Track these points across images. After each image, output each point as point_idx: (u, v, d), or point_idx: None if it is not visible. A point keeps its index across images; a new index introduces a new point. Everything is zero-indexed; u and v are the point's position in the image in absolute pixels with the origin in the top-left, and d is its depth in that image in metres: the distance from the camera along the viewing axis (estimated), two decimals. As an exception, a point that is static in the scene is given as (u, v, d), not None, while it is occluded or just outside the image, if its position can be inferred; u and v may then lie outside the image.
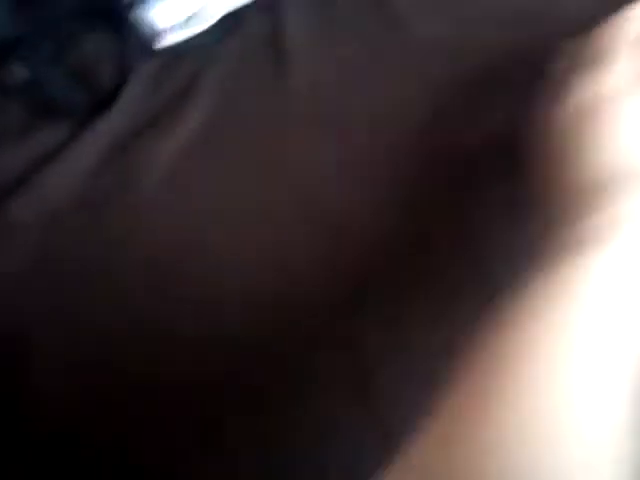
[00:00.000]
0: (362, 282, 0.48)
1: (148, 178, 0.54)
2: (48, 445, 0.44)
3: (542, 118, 0.42)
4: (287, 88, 0.58)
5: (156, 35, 0.60)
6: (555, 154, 0.39)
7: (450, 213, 0.51)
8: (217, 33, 0.62)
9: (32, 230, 0.52)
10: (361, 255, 0.50)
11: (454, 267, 0.48)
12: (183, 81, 0.59)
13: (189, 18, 0.60)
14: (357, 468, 0.39)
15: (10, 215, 0.53)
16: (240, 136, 0.56)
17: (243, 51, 0.61)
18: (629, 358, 0.30)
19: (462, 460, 0.27)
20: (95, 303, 0.49)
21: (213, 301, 0.48)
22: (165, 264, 0.51)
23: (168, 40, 0.61)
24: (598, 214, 0.34)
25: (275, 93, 0.58)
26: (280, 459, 0.43)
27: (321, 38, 0.61)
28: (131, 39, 0.59)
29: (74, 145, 0.55)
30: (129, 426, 0.44)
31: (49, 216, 0.53)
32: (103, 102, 0.56)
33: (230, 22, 0.62)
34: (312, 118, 0.56)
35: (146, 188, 0.54)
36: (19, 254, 0.52)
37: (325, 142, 0.55)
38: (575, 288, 0.32)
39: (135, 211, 0.53)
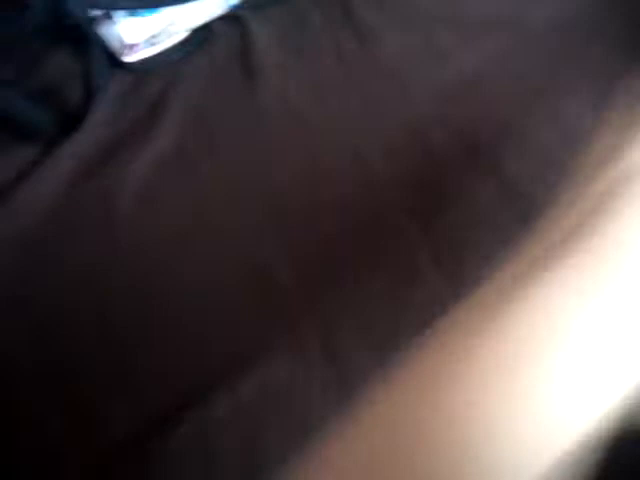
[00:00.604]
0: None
1: (120, 195, 0.54)
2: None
3: None
4: (256, 104, 0.58)
5: (124, 51, 0.60)
6: None
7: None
8: (186, 48, 0.61)
9: (3, 249, 0.52)
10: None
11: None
12: (152, 98, 0.58)
13: (157, 33, 0.60)
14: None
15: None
16: (210, 152, 0.55)
17: (212, 67, 0.60)
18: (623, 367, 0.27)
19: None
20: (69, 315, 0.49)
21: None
22: (140, 275, 0.50)
23: (136, 56, 0.60)
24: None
25: (244, 109, 0.57)
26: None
27: (290, 52, 0.61)
28: (98, 55, 0.58)
29: (44, 165, 0.54)
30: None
31: (21, 235, 0.52)
32: (72, 120, 0.56)
33: (199, 37, 0.62)
34: (281, 133, 0.56)
35: (119, 204, 0.53)
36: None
37: (294, 156, 0.55)
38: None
39: (109, 227, 0.52)
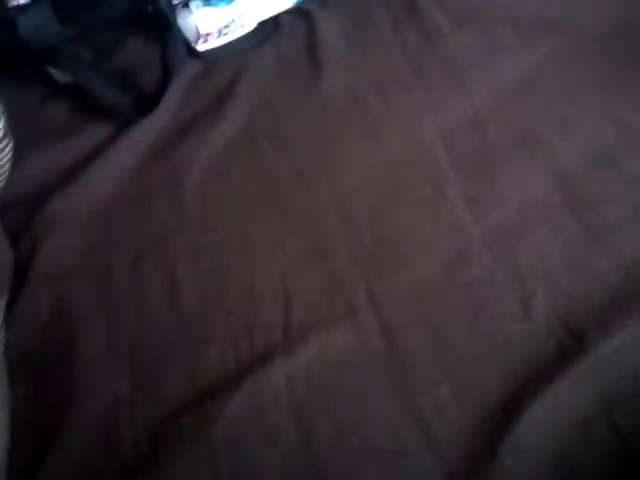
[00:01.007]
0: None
1: (189, 173, 0.56)
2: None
3: None
4: (321, 94, 0.60)
5: (198, 39, 0.63)
6: None
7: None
8: (254, 39, 0.64)
9: (80, 224, 0.54)
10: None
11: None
12: (222, 85, 0.61)
13: (229, 24, 0.63)
14: None
15: (56, 210, 0.55)
16: (275, 138, 0.58)
17: (279, 57, 0.63)
18: None
19: None
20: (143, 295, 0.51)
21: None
22: (210, 253, 0.52)
23: (208, 45, 0.63)
24: None
25: (309, 98, 0.60)
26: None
27: (355, 46, 0.63)
28: (175, 42, 0.61)
29: (120, 142, 0.57)
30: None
31: (96, 210, 0.55)
32: (147, 102, 0.59)
33: (267, 29, 0.65)
34: (346, 122, 0.58)
35: (187, 181, 0.56)
36: (67, 249, 0.53)
37: (357, 144, 0.57)
38: None
39: (177, 199, 0.55)
